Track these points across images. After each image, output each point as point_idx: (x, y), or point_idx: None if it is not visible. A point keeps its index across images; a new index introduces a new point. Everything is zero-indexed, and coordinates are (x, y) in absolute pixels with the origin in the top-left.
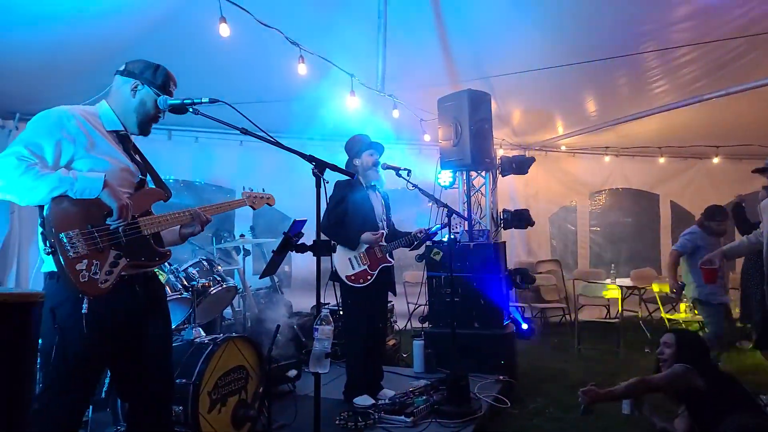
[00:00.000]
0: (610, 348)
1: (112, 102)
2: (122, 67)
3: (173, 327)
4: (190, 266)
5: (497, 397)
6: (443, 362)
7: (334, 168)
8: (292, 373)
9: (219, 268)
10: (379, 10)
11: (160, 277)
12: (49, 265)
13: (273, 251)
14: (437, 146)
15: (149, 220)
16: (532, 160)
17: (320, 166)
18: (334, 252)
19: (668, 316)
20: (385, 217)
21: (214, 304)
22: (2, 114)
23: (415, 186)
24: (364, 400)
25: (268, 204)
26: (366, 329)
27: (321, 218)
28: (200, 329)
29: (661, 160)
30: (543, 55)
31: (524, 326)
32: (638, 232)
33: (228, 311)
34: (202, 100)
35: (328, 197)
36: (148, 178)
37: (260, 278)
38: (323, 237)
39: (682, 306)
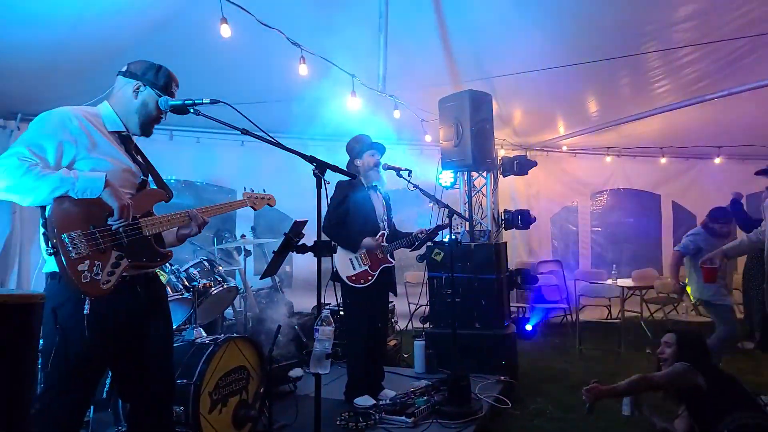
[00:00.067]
0: (612, 348)
1: (114, 103)
2: (124, 68)
3: (174, 327)
4: (191, 267)
5: (498, 397)
6: (444, 362)
7: (335, 169)
8: (297, 372)
9: (220, 268)
10: (380, 11)
11: (162, 277)
12: (51, 265)
13: (274, 252)
14: (438, 147)
15: (150, 221)
16: (534, 163)
17: (321, 167)
18: (335, 253)
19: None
20: (386, 218)
21: (215, 305)
22: (4, 114)
23: (415, 186)
24: (365, 401)
25: (269, 204)
26: (367, 330)
27: (322, 219)
28: (201, 329)
29: (663, 160)
30: (544, 55)
31: (528, 327)
32: (640, 232)
33: (229, 311)
34: (203, 101)
35: (329, 198)
36: (150, 178)
37: (261, 279)
38: (324, 237)
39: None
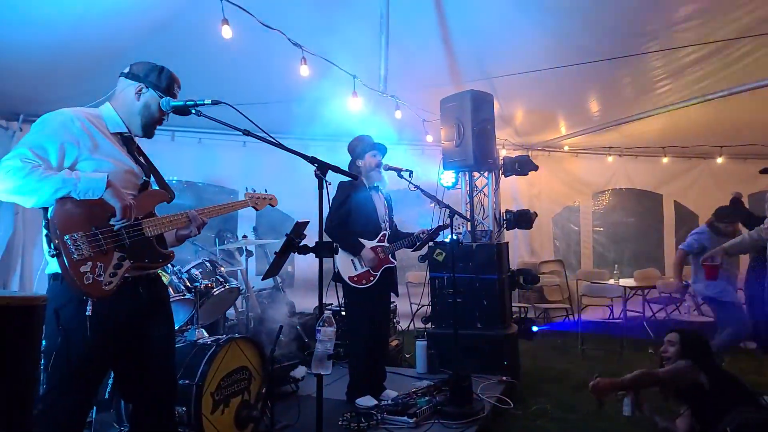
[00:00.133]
0: (614, 348)
1: (117, 104)
2: (126, 70)
3: (176, 328)
4: (192, 267)
5: (500, 397)
6: (446, 363)
7: (337, 170)
8: (301, 371)
9: (222, 269)
10: (381, 11)
11: (163, 278)
12: (54, 266)
13: (275, 253)
14: (440, 147)
15: (152, 222)
16: (535, 167)
17: (323, 168)
18: (337, 253)
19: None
20: (387, 218)
21: (217, 305)
22: (6, 115)
23: (416, 187)
24: (366, 401)
25: (270, 205)
26: (368, 330)
27: (324, 219)
28: (203, 330)
29: (665, 160)
30: (546, 55)
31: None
32: (642, 232)
33: (231, 312)
34: (205, 102)
35: (330, 198)
36: (152, 179)
37: (263, 279)
38: (326, 238)
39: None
